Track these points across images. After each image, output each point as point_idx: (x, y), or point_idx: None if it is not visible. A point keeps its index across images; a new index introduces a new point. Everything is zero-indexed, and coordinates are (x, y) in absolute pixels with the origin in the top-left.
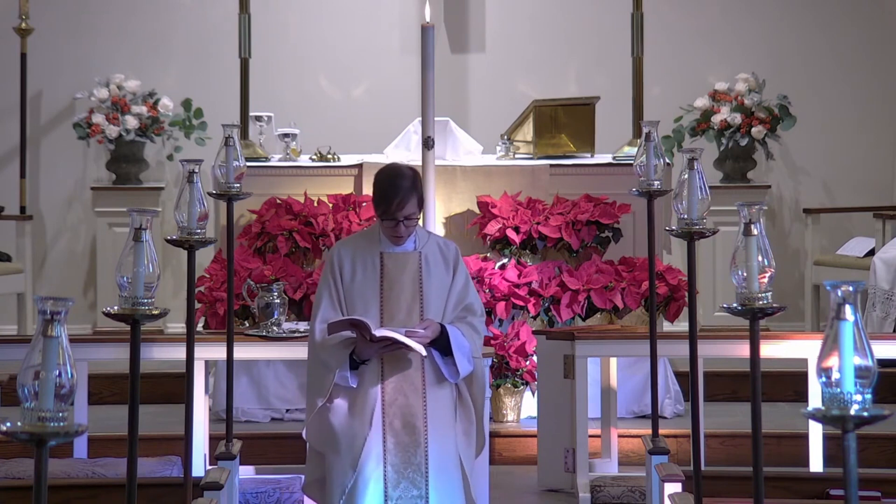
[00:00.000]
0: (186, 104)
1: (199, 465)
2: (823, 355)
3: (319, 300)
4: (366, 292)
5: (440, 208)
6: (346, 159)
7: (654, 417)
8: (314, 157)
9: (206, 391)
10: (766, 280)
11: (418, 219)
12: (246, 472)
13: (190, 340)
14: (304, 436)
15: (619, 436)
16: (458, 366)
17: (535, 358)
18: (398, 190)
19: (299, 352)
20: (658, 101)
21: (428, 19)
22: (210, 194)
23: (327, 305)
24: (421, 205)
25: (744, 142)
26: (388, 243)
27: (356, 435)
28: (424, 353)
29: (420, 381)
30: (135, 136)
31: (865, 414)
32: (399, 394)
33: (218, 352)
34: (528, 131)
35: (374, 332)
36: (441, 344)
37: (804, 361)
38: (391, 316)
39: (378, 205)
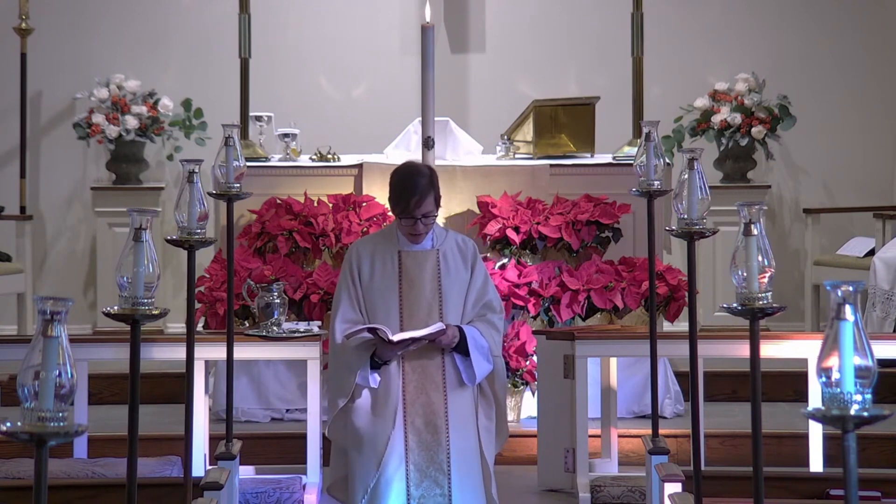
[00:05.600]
0: (186, 104)
1: (199, 465)
2: (823, 355)
3: (339, 300)
4: (385, 291)
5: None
6: (346, 159)
7: (654, 417)
8: (314, 157)
9: (206, 391)
10: (766, 280)
11: (436, 217)
12: (246, 472)
13: (190, 340)
14: (326, 434)
15: (619, 436)
16: (475, 368)
17: (535, 358)
18: (416, 188)
19: (299, 352)
20: (658, 101)
21: (428, 19)
22: (210, 194)
23: (347, 306)
24: (438, 203)
25: (744, 142)
26: (405, 242)
27: (379, 434)
28: (443, 325)
29: (441, 380)
30: (135, 136)
31: (865, 414)
32: (421, 393)
33: (218, 352)
34: (528, 131)
35: (391, 337)
36: (460, 346)
37: (804, 361)
38: (411, 315)
39: (396, 203)
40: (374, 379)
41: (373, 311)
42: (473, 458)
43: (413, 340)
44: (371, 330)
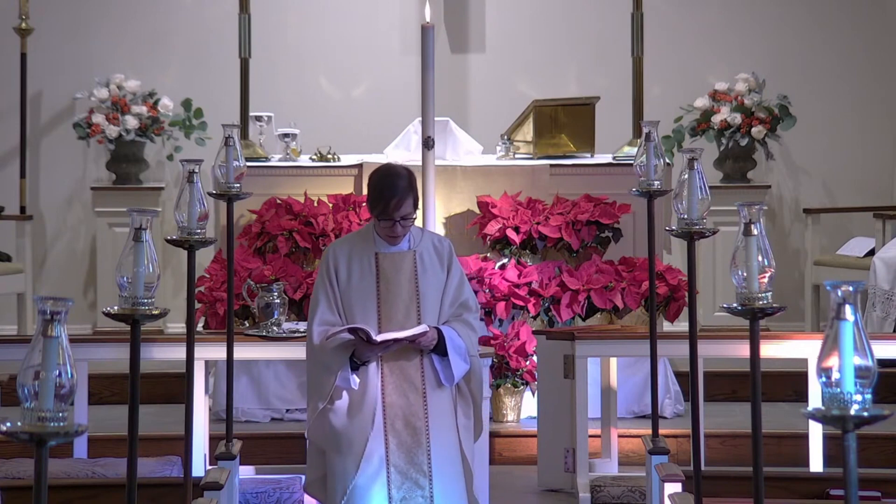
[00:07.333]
0: (186, 104)
1: (199, 465)
2: (823, 355)
3: (316, 302)
4: (363, 293)
5: (440, 208)
6: (346, 159)
7: (654, 417)
8: (314, 157)
9: (206, 391)
10: (766, 280)
11: (414, 219)
12: (246, 472)
13: (190, 340)
14: (306, 435)
15: (619, 436)
16: (453, 368)
17: (535, 358)
18: (395, 190)
19: (299, 352)
20: (658, 101)
21: (428, 19)
22: (210, 194)
23: (325, 308)
24: (416, 205)
25: (744, 142)
26: (382, 243)
27: (358, 436)
28: (426, 328)
29: (420, 381)
30: (135, 136)
31: (865, 414)
32: (399, 395)
33: (218, 352)
34: (528, 131)
35: (374, 337)
36: (438, 346)
37: (804, 361)
38: (389, 317)
39: (374, 205)
40: (354, 380)
41: (350, 312)
42: (454, 459)
43: (395, 340)
44: (352, 330)
